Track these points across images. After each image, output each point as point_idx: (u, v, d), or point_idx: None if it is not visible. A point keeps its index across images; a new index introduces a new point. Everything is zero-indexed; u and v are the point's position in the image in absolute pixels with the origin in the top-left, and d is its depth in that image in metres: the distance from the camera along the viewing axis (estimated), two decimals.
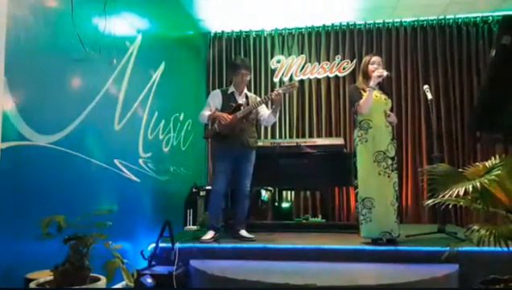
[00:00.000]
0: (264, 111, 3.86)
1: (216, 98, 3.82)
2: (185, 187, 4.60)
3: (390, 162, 3.41)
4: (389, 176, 3.39)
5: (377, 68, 3.50)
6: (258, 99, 3.84)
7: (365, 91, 3.47)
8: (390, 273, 2.87)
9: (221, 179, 3.69)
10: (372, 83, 3.44)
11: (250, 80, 5.66)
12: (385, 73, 3.47)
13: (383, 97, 3.54)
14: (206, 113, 3.76)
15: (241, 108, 3.69)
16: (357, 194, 3.58)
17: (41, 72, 2.38)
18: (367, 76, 3.54)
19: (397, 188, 3.45)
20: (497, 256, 2.45)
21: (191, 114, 4.77)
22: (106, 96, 3.04)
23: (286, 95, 5.57)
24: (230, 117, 3.63)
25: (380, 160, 3.39)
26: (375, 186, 3.37)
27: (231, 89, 3.85)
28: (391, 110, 3.64)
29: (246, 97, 3.86)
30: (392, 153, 3.45)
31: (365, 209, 3.37)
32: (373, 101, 3.44)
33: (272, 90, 5.26)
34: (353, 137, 3.62)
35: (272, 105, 3.77)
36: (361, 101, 3.44)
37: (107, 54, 3.06)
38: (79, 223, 1.95)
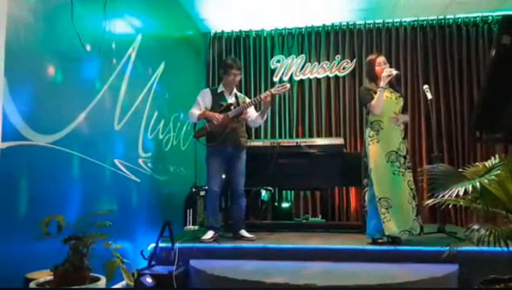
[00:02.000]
0: (252, 112, 3.86)
1: (206, 97, 3.83)
2: (185, 187, 4.60)
3: (402, 161, 3.43)
4: (403, 175, 3.41)
5: (384, 69, 3.48)
6: (248, 100, 3.85)
7: (375, 92, 3.46)
8: (390, 273, 2.87)
9: (215, 179, 3.70)
10: (382, 83, 3.43)
11: (250, 80, 5.69)
12: (394, 72, 3.46)
13: (394, 96, 3.53)
14: (196, 112, 3.76)
15: (231, 108, 3.70)
16: (365, 194, 3.57)
17: (41, 72, 2.38)
18: (375, 78, 3.53)
19: (412, 187, 3.46)
20: (497, 256, 2.45)
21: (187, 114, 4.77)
22: (106, 96, 3.04)
23: (286, 95, 5.58)
24: (222, 116, 3.64)
25: (393, 160, 3.40)
26: (390, 186, 3.38)
27: (221, 88, 3.86)
28: (404, 108, 3.62)
29: (236, 96, 3.87)
30: (404, 152, 3.46)
31: (383, 209, 3.36)
32: (385, 102, 3.43)
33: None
34: (364, 137, 3.61)
35: (261, 107, 3.76)
36: (373, 102, 3.43)
37: (107, 54, 3.06)
38: (79, 223, 1.95)
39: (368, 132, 3.53)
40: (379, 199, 3.37)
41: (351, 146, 5.39)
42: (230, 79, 3.78)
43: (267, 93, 3.67)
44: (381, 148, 3.43)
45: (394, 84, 3.63)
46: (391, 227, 3.35)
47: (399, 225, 3.35)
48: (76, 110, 2.70)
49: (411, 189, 3.44)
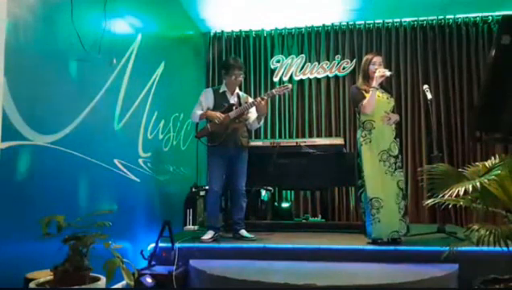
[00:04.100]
0: (252, 114, 3.84)
1: (208, 97, 3.82)
2: (185, 187, 4.60)
3: (392, 160, 3.43)
4: (392, 175, 3.41)
5: (377, 69, 3.49)
6: (250, 100, 3.85)
7: (366, 91, 3.47)
8: (390, 273, 2.87)
9: (217, 178, 3.70)
10: (374, 83, 3.44)
11: (250, 80, 5.69)
12: (387, 73, 3.47)
13: (385, 96, 3.54)
14: (198, 112, 3.76)
15: (233, 108, 3.70)
16: (360, 194, 3.58)
17: (41, 72, 2.37)
18: (367, 77, 3.54)
19: (402, 187, 3.46)
20: (497, 256, 2.45)
21: (190, 114, 4.77)
22: (106, 96, 3.04)
23: (286, 95, 5.58)
24: (223, 116, 3.64)
25: (385, 159, 3.41)
26: (382, 186, 3.38)
27: (223, 88, 3.85)
28: (393, 109, 3.62)
29: (238, 96, 3.86)
30: (395, 152, 3.46)
31: (373, 210, 3.36)
32: (376, 102, 3.44)
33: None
34: (357, 137, 3.62)
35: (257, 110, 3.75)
36: (365, 102, 3.44)
37: (107, 54, 3.05)
38: (79, 223, 1.95)
39: (360, 133, 3.53)
40: (371, 199, 3.38)
41: (351, 146, 5.39)
42: (232, 79, 3.78)
43: (262, 97, 3.68)
44: (374, 148, 3.44)
45: (385, 86, 3.65)
46: (379, 230, 3.35)
47: (389, 227, 3.35)
48: (76, 110, 2.70)
49: (401, 189, 3.44)
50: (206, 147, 3.85)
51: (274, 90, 3.76)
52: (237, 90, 3.89)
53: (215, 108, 3.76)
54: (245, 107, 3.70)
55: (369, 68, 3.54)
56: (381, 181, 3.39)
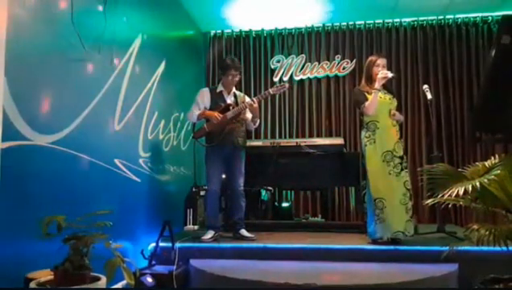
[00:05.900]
0: (249, 114, 3.84)
1: (205, 96, 3.83)
2: (185, 187, 4.60)
3: (397, 161, 3.43)
4: (397, 176, 3.41)
5: (381, 71, 3.50)
6: (247, 99, 3.85)
7: (369, 93, 3.48)
8: (389, 273, 2.87)
9: (215, 178, 3.71)
10: (377, 84, 3.45)
11: (250, 80, 5.69)
12: (390, 75, 3.48)
13: (388, 97, 3.55)
14: (196, 112, 3.77)
15: (230, 108, 3.71)
16: (364, 195, 3.57)
17: (41, 72, 2.38)
18: (371, 79, 3.54)
19: (409, 187, 3.46)
20: (496, 256, 2.45)
21: (187, 114, 4.77)
22: (106, 96, 3.04)
23: (286, 95, 5.58)
24: (221, 116, 3.64)
25: (389, 160, 3.41)
26: (385, 186, 3.39)
27: (220, 87, 3.86)
28: (396, 109, 3.63)
29: (235, 96, 3.87)
30: (400, 152, 3.47)
31: (377, 210, 3.36)
32: (379, 102, 3.45)
33: None
34: (361, 138, 3.62)
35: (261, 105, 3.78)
36: (367, 103, 3.45)
37: (107, 54, 3.06)
38: (79, 223, 1.96)
39: (364, 133, 3.54)
40: (375, 199, 3.38)
41: (351, 146, 5.40)
42: (229, 79, 3.79)
43: (253, 99, 3.70)
44: (378, 148, 3.44)
45: (388, 86, 3.66)
46: (384, 229, 3.35)
47: (392, 227, 3.35)
48: (76, 110, 2.70)
49: (408, 190, 3.44)
50: (203, 147, 3.85)
51: (270, 89, 3.76)
52: (234, 90, 3.90)
53: (212, 108, 3.77)
54: (242, 107, 3.71)
55: (373, 69, 3.55)
56: (384, 182, 3.39)
